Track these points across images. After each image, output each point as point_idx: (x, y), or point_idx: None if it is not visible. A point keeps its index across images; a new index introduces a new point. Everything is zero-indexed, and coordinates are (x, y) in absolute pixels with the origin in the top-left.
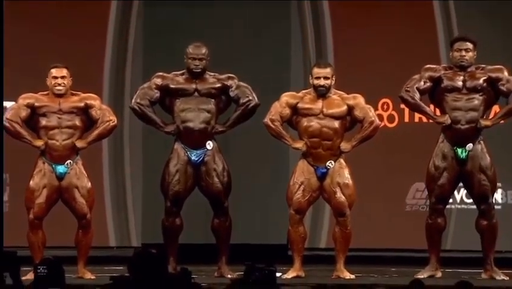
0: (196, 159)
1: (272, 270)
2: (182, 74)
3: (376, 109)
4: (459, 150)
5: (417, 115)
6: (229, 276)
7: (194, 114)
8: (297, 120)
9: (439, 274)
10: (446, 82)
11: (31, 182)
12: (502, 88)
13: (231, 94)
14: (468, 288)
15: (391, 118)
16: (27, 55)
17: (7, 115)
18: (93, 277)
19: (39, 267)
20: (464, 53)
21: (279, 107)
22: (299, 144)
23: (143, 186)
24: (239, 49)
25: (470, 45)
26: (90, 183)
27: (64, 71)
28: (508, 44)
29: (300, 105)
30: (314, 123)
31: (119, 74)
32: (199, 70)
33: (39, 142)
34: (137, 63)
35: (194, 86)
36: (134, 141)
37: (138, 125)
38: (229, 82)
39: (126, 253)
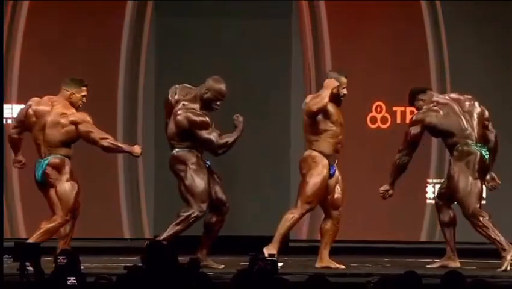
0: None
1: (274, 261)
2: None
3: (370, 111)
4: None
5: (408, 118)
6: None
7: None
8: (320, 120)
9: (452, 264)
10: None
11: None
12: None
13: None
14: (458, 277)
15: (384, 120)
16: (45, 59)
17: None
18: None
19: (59, 257)
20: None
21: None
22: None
23: (155, 183)
24: (241, 55)
25: None
26: None
27: None
28: (492, 44)
29: (329, 108)
30: (338, 129)
31: (132, 79)
32: None
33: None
34: (149, 69)
35: None
36: (147, 141)
37: (151, 126)
38: None
39: (140, 244)
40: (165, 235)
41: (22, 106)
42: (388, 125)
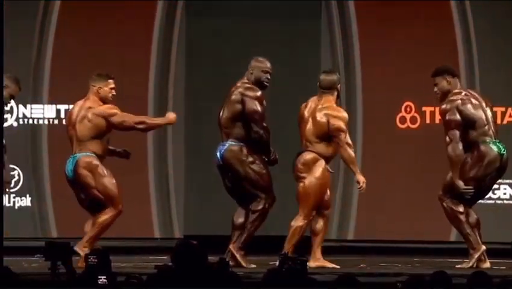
0: None
1: (304, 260)
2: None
3: (399, 111)
4: None
5: (437, 117)
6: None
7: None
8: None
9: (469, 263)
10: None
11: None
12: None
13: None
14: (483, 277)
15: (413, 120)
16: (75, 60)
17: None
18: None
19: (89, 257)
20: None
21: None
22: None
23: (184, 182)
24: (270, 55)
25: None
26: None
27: None
28: None
29: None
30: None
31: (163, 77)
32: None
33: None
34: (179, 69)
35: None
36: (176, 139)
37: (180, 123)
38: None
39: (169, 244)
40: (245, 236)
41: (52, 106)
42: (417, 125)
